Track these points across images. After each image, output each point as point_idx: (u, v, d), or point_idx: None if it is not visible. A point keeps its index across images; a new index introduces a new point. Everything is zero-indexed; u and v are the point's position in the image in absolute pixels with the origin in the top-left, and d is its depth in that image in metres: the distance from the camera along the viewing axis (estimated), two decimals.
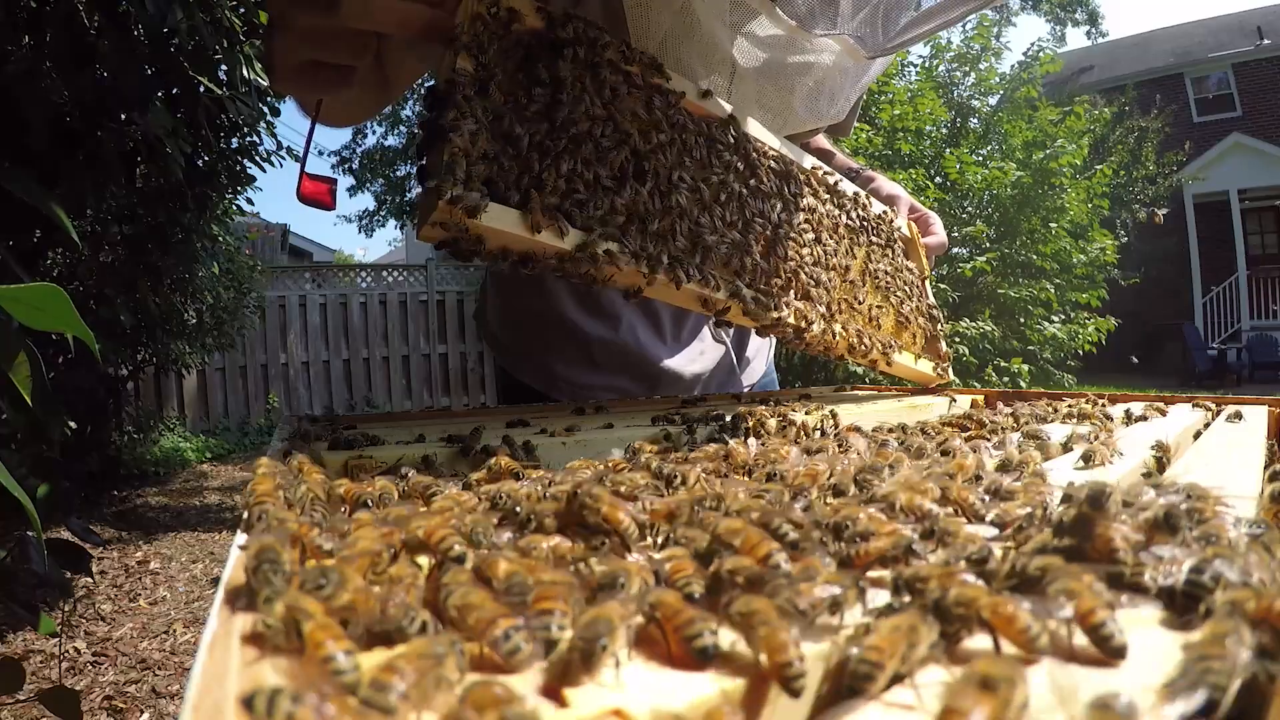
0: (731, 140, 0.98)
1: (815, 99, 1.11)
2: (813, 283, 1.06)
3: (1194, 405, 1.07)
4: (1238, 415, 0.89)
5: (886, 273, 1.25)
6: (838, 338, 1.08)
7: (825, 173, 1.16)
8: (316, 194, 0.93)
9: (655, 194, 0.87)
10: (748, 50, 1.00)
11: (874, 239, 1.24)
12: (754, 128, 1.03)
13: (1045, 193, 6.81)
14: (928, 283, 1.39)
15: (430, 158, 0.74)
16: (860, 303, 1.16)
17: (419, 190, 0.74)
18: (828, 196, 1.16)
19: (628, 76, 0.88)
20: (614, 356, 1.30)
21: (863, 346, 1.12)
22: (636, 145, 0.86)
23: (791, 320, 1.00)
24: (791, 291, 1.02)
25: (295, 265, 9.58)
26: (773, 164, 1.04)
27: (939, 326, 1.38)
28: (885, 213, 1.30)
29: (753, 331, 1.46)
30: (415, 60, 1.03)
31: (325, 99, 0.87)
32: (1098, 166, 7.98)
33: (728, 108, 0.99)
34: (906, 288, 1.30)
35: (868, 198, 1.26)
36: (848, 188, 1.22)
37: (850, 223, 1.19)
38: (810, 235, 1.08)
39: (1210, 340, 13.83)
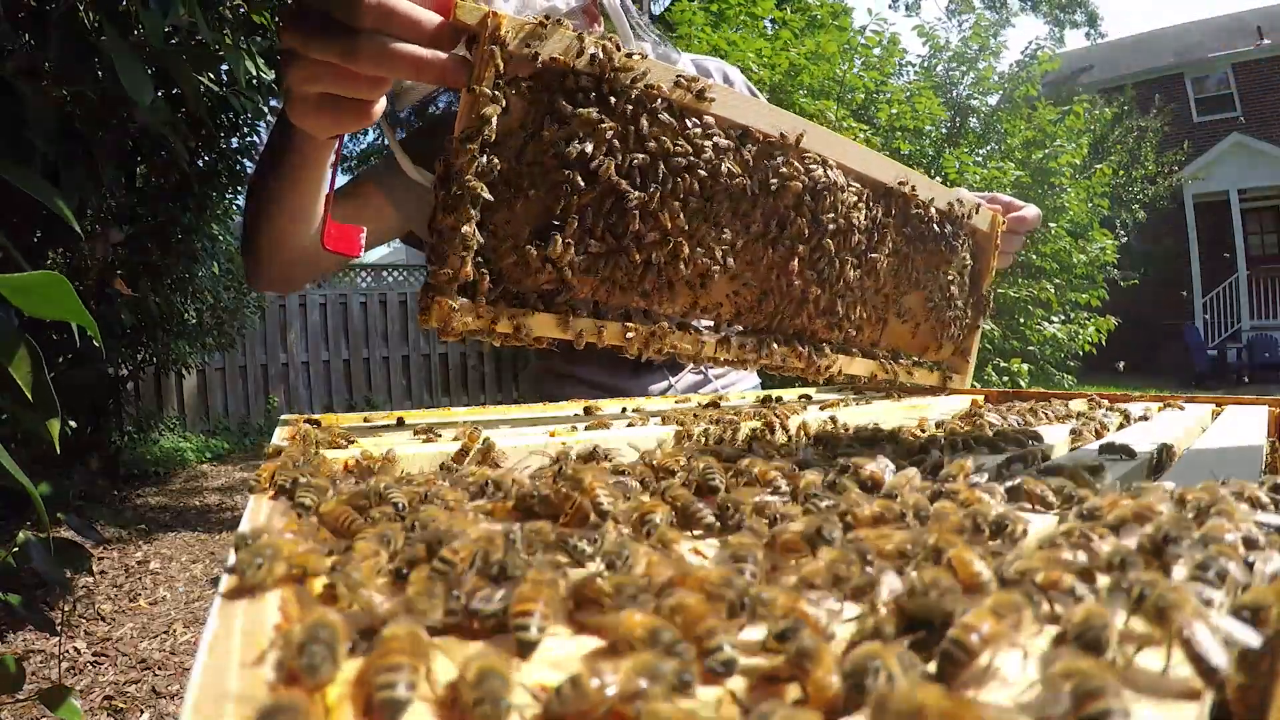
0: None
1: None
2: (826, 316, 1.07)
3: (1164, 406, 1.04)
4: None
5: (929, 273, 1.20)
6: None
7: (912, 186, 1.11)
8: (343, 241, 0.89)
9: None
10: None
11: (933, 242, 1.18)
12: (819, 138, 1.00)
13: (1045, 192, 6.80)
14: (989, 277, 1.32)
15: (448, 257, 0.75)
16: (886, 316, 1.16)
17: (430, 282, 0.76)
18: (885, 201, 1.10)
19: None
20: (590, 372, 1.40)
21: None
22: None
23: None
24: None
25: None
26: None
27: (981, 323, 1.33)
28: (954, 205, 1.21)
29: None
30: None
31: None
32: (1097, 166, 7.97)
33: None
34: (949, 288, 1.24)
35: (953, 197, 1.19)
36: (924, 191, 1.14)
37: (908, 229, 1.13)
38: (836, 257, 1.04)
39: (1210, 340, 13.82)
